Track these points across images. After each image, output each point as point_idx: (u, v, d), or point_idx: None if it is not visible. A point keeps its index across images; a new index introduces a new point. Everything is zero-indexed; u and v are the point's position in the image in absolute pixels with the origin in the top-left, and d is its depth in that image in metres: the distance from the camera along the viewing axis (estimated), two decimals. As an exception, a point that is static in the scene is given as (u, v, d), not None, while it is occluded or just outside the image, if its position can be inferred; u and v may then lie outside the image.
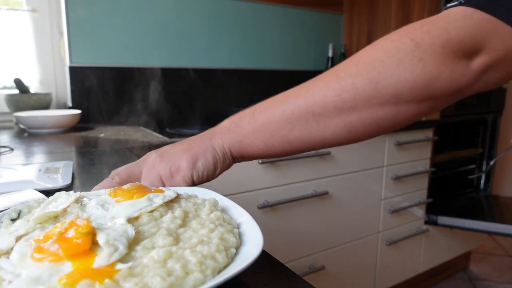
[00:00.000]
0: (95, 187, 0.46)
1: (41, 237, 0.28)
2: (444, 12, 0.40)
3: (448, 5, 0.40)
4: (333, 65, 1.93)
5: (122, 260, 0.27)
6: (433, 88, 0.38)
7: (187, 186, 0.46)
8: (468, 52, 0.38)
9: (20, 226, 0.32)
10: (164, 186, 0.46)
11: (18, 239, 0.30)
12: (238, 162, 0.49)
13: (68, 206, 0.35)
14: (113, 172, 0.47)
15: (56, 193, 0.39)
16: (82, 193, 0.39)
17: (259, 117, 0.45)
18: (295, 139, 0.44)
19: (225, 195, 0.44)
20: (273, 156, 0.47)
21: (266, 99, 0.46)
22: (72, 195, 0.38)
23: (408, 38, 0.38)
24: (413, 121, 0.42)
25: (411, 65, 0.38)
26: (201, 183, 0.48)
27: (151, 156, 0.47)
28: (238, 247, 0.31)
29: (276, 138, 0.44)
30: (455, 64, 0.38)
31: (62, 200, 0.37)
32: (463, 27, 0.37)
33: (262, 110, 0.45)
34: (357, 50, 2.13)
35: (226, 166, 0.48)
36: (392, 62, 0.38)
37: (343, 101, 0.40)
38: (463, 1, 0.39)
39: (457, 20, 0.38)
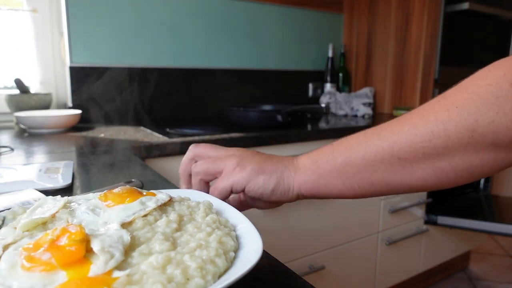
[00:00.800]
0: (183, 180, 0.47)
1: (31, 246, 0.27)
2: None
3: None
4: (333, 65, 1.93)
5: (119, 267, 0.26)
6: None
7: (240, 188, 0.44)
8: None
9: (6, 234, 0.31)
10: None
11: (5, 247, 0.28)
12: (305, 199, 0.47)
13: (56, 212, 0.34)
14: (195, 169, 0.46)
15: (42, 198, 0.37)
16: (70, 198, 0.38)
17: (339, 156, 0.42)
18: (377, 182, 0.41)
19: (225, 196, 0.44)
20: (352, 197, 0.45)
21: (345, 137, 0.44)
22: (59, 200, 0.36)
23: (507, 83, 0.35)
24: None
25: None
26: (253, 200, 0.47)
27: (231, 162, 0.45)
28: (236, 251, 0.31)
29: (357, 180, 0.42)
30: None
31: (49, 205, 0.35)
32: None
33: (342, 150, 0.43)
34: (357, 50, 2.10)
35: (286, 199, 0.46)
36: (490, 109, 0.35)
37: (433, 147, 0.37)
38: None
39: None
